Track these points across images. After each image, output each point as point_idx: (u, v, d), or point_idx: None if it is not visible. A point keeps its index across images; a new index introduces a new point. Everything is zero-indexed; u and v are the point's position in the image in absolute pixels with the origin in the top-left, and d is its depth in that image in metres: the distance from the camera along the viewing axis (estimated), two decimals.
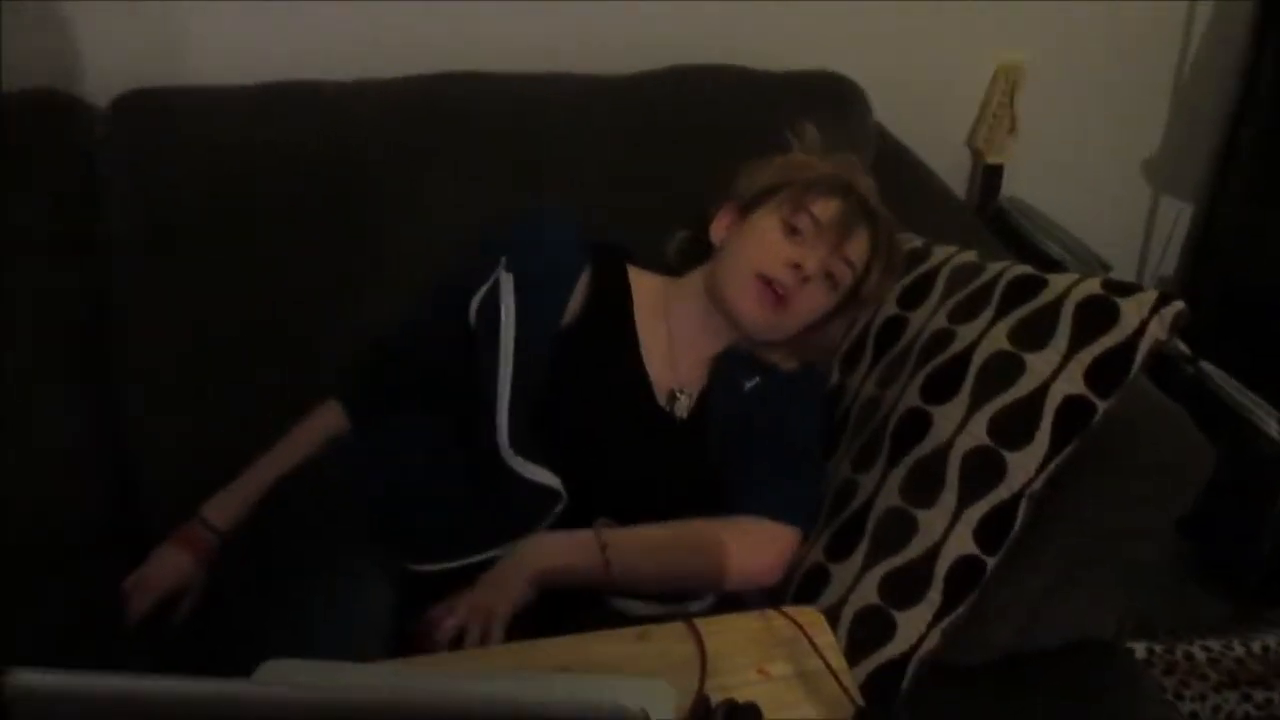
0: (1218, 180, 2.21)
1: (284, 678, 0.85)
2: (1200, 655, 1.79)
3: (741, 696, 0.81)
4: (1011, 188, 2.08)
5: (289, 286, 1.51)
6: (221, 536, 1.30)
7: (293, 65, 1.59)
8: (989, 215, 2.05)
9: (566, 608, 1.16)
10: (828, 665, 0.91)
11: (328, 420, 1.38)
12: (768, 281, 1.30)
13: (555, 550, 1.20)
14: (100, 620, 1.29)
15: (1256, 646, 1.80)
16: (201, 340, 1.49)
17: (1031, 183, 2.10)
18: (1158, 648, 1.80)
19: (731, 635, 0.96)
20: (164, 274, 1.48)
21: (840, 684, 0.90)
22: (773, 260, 1.31)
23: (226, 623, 1.20)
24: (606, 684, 0.90)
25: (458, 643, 1.11)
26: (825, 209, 1.32)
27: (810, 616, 0.98)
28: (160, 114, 1.51)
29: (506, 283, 1.31)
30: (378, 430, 1.35)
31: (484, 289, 1.34)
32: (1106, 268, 1.98)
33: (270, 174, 1.51)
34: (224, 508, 1.31)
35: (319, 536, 1.19)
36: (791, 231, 1.32)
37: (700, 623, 0.96)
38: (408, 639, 1.12)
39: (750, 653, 0.94)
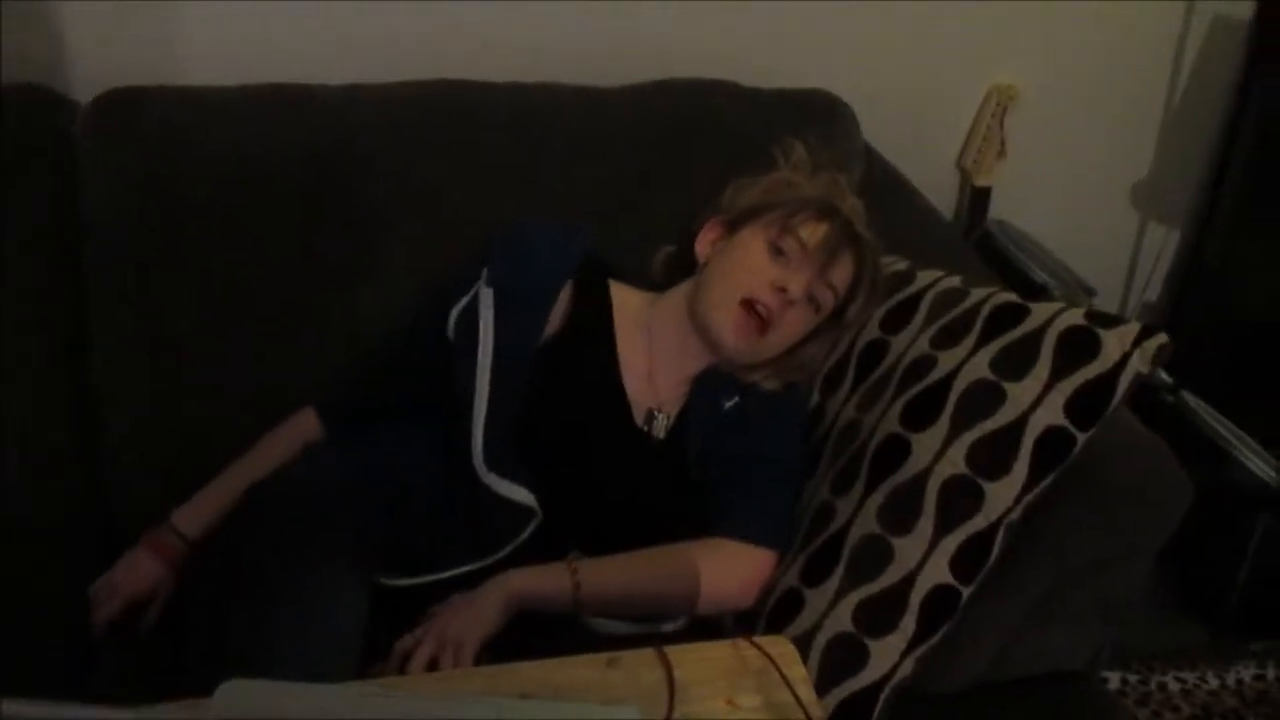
0: (1205, 209, 2.22)
1: (244, 699, 0.84)
2: (1174, 686, 1.79)
3: None
4: (999, 210, 2.08)
5: (271, 290, 1.49)
6: (190, 544, 1.29)
7: (285, 68, 1.57)
8: (976, 237, 2.04)
9: (538, 626, 1.15)
10: (798, 699, 0.90)
11: (303, 428, 1.36)
12: (751, 305, 1.30)
13: (527, 577, 1.18)
14: (67, 621, 1.27)
15: (1231, 679, 1.81)
16: (180, 340, 1.47)
17: (1019, 206, 2.09)
18: (1131, 678, 1.80)
19: (701, 664, 0.95)
20: (142, 275, 1.46)
21: (809, 718, 0.89)
22: (757, 281, 1.30)
23: (193, 632, 1.19)
24: (574, 710, 0.89)
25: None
26: (813, 232, 1.32)
27: (782, 647, 0.97)
28: (139, 112, 1.49)
29: (486, 297, 1.30)
30: (354, 441, 1.33)
31: (464, 301, 1.33)
32: (1091, 293, 1.98)
33: (254, 176, 1.49)
34: (194, 516, 1.30)
35: (291, 547, 1.17)
36: (777, 253, 1.32)
37: (670, 651, 0.95)
38: (377, 654, 1.11)
39: (719, 682, 0.93)
